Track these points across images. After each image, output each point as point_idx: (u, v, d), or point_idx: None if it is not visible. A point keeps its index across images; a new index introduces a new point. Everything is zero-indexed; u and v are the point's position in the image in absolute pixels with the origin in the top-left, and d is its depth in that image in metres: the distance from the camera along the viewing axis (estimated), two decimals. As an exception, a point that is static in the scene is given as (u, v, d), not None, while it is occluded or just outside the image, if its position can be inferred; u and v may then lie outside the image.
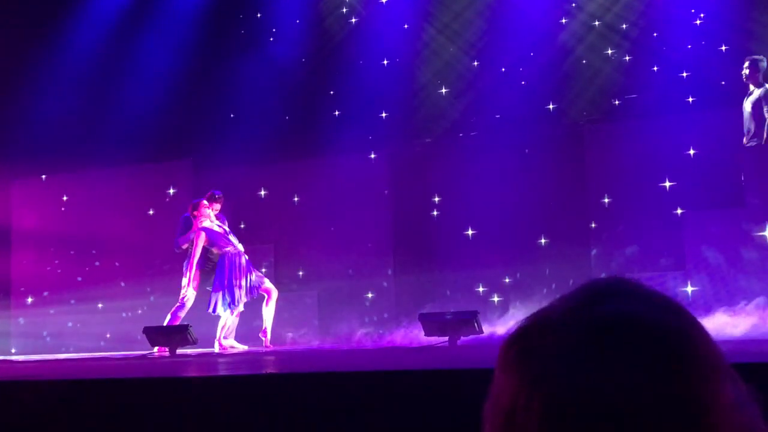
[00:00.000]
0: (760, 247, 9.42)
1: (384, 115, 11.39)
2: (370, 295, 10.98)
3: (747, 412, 0.75)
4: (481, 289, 10.41)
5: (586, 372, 0.72)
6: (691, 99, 9.97)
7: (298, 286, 11.14)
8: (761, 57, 9.14)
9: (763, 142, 8.85)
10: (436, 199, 11.01)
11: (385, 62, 11.55)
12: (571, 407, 0.71)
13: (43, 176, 12.89)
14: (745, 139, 9.07)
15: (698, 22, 10.11)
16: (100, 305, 12.31)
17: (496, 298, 10.19)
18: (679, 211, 9.73)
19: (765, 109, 8.90)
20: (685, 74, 10.06)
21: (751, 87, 9.04)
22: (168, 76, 11.96)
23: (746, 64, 9.03)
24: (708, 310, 8.75)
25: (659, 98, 10.13)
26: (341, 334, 9.37)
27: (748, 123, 9.04)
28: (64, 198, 12.84)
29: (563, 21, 10.84)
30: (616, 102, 10.49)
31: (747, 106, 9.04)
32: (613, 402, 0.70)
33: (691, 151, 9.91)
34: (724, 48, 9.93)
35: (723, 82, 9.85)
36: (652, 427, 0.70)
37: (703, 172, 9.77)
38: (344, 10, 11.96)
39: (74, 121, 12.19)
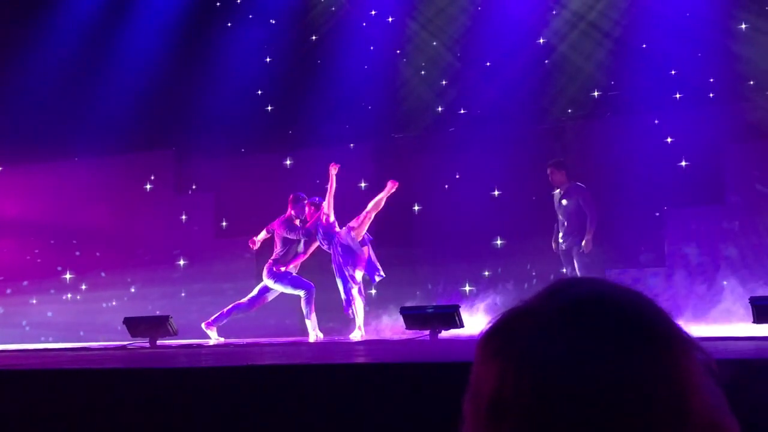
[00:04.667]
0: (739, 244, 9.51)
1: (366, 108, 11.38)
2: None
3: (714, 385, 0.78)
4: (462, 283, 10.43)
5: (570, 349, 0.74)
6: (673, 96, 10.02)
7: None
8: (560, 159, 9.36)
9: (585, 242, 8.91)
10: (418, 193, 11.02)
11: (369, 54, 11.55)
12: (559, 385, 0.72)
13: (23, 165, 12.79)
14: (561, 245, 9.15)
15: (682, 20, 10.14)
16: (80, 295, 12.25)
17: (477, 293, 10.22)
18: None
19: (586, 206, 9.01)
20: (666, 72, 10.10)
21: (560, 190, 9.18)
22: (150, 66, 11.91)
23: (548, 171, 9.23)
24: (687, 306, 8.81)
25: (641, 96, 10.17)
26: (322, 327, 9.35)
27: (562, 223, 9.13)
28: (45, 187, 12.75)
29: (547, 18, 10.86)
30: (597, 97, 10.53)
31: (561, 207, 9.16)
32: (598, 376, 0.73)
33: (672, 149, 9.96)
34: (707, 47, 9.97)
35: (710, 80, 9.91)
36: (635, 398, 0.72)
37: (684, 169, 9.83)
38: (329, 3, 11.92)
39: (55, 111, 12.11)
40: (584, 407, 0.72)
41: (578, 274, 8.92)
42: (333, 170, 9.21)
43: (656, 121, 10.15)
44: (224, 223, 12.00)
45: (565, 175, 9.25)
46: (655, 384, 0.73)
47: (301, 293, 9.17)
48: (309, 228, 9.30)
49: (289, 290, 9.29)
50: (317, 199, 9.35)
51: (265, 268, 9.38)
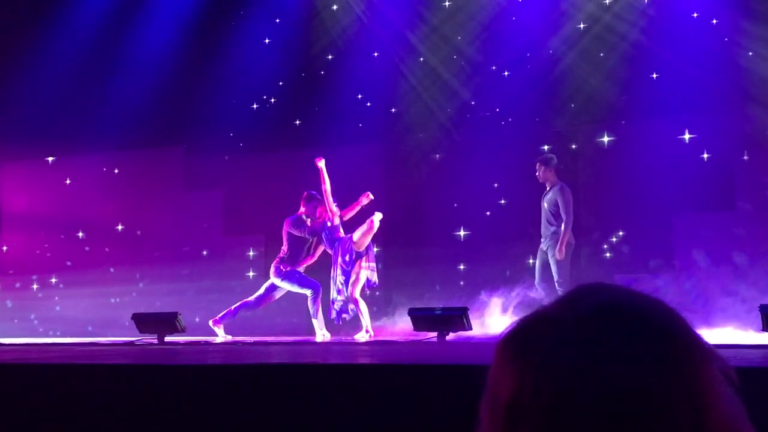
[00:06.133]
0: (749, 251, 9.47)
1: (377, 108, 11.37)
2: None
3: (732, 395, 0.78)
4: (470, 285, 10.40)
5: (589, 357, 0.74)
6: (684, 102, 9.97)
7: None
8: (550, 156, 9.17)
9: (558, 250, 8.79)
10: (427, 194, 11.01)
11: (379, 55, 11.55)
12: (578, 392, 0.72)
13: (33, 160, 12.83)
14: (543, 245, 9.05)
15: (694, 26, 10.10)
16: (88, 291, 12.28)
17: (485, 295, 10.19)
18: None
19: (562, 208, 8.87)
20: (677, 78, 10.04)
21: (547, 187, 9.07)
22: (161, 63, 11.93)
23: (537, 165, 9.09)
24: (696, 313, 8.77)
25: (652, 102, 10.13)
26: (329, 327, 9.35)
27: (545, 223, 9.02)
28: (55, 182, 12.79)
29: (558, 25, 10.82)
30: (608, 103, 10.49)
31: (544, 205, 9.05)
32: (617, 384, 0.73)
33: (682, 155, 9.92)
34: (719, 53, 9.92)
35: (720, 86, 9.86)
36: (654, 408, 0.72)
37: (694, 175, 9.79)
38: (337, 6, 11.90)
39: (65, 106, 12.14)
40: (602, 415, 0.72)
41: (555, 277, 8.86)
42: (320, 164, 9.03)
43: (667, 127, 10.10)
44: (232, 221, 12.00)
45: (554, 174, 9.10)
46: (674, 393, 0.73)
47: (308, 292, 9.16)
48: (315, 227, 9.26)
49: (296, 289, 9.29)
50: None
51: (272, 266, 9.38)
